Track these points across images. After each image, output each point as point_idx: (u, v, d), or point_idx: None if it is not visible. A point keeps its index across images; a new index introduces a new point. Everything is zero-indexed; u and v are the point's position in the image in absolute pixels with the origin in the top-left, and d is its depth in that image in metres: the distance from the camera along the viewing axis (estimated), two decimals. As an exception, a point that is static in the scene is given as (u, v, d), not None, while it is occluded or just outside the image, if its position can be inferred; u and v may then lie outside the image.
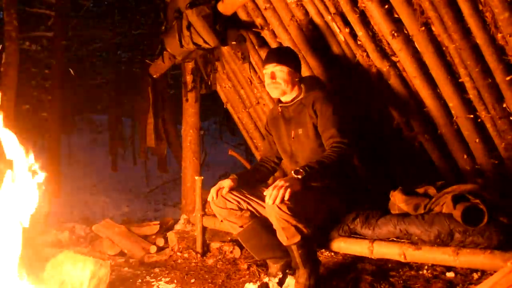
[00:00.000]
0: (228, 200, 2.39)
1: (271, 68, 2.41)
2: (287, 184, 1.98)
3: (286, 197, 1.97)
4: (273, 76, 2.40)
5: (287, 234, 2.10)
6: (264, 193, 2.04)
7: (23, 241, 2.11)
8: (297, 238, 2.10)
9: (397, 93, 2.55)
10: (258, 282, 2.39)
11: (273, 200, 1.97)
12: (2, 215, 2.10)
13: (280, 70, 2.40)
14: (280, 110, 2.53)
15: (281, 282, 2.33)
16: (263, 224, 2.36)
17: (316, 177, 2.11)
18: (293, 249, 2.14)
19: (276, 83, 2.40)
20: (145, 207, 6.86)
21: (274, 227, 2.15)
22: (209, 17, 2.95)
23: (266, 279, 2.37)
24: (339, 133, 2.23)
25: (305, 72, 2.96)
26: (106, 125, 13.43)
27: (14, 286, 2.09)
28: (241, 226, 2.41)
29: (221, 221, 2.48)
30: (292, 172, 2.06)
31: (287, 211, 2.02)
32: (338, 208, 2.32)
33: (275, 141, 2.60)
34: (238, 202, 2.39)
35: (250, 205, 2.40)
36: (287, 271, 2.37)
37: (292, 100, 2.46)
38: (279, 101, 2.53)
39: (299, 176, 2.02)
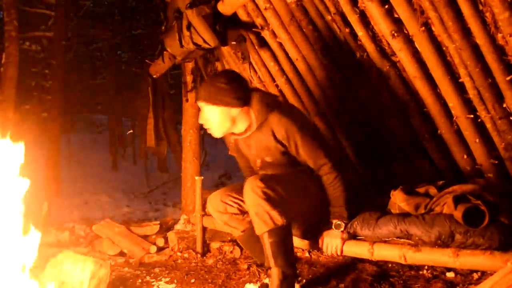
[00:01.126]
0: (228, 204, 2.34)
1: (200, 105, 2.19)
2: (338, 244, 2.21)
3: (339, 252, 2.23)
4: (201, 117, 2.20)
5: (261, 220, 2.03)
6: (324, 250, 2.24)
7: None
8: (270, 225, 2.02)
9: (397, 93, 2.55)
10: (258, 282, 2.39)
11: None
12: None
13: (210, 111, 2.15)
14: (234, 142, 2.37)
15: None
16: None
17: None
18: (263, 237, 2.05)
19: (207, 125, 2.20)
20: (145, 207, 6.85)
21: (250, 215, 2.10)
22: (209, 17, 2.95)
23: (266, 280, 2.35)
24: (329, 161, 2.15)
25: (306, 75, 2.96)
26: (106, 125, 13.43)
27: (14, 286, 2.08)
28: (243, 231, 2.38)
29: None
30: (334, 227, 2.20)
31: (262, 195, 2.00)
32: (322, 206, 2.26)
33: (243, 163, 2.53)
34: (239, 205, 2.33)
35: None
36: None
37: (245, 132, 2.25)
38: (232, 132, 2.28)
39: (342, 230, 2.20)
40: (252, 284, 2.37)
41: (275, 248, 2.05)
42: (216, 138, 2.38)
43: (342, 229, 2.20)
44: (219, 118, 2.16)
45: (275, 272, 2.05)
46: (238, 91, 2.15)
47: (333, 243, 2.22)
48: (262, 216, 2.03)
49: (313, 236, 2.35)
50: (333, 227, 2.21)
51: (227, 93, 2.12)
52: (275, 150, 2.20)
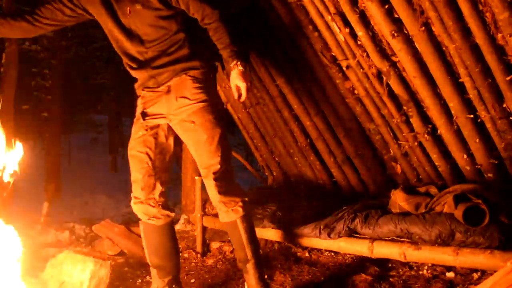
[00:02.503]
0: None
1: None
2: (248, 84, 2.02)
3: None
4: None
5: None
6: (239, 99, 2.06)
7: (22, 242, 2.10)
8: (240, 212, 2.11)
9: (397, 93, 2.55)
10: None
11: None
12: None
13: None
14: None
15: None
16: (172, 229, 2.29)
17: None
18: (237, 223, 2.12)
19: None
20: (145, 207, 6.85)
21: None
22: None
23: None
24: (211, 8, 2.02)
25: (306, 74, 2.96)
26: (106, 125, 13.44)
27: (14, 286, 2.08)
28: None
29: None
30: (239, 65, 2.00)
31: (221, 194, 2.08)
32: None
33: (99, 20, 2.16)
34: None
35: None
36: (173, 286, 2.21)
37: None
38: None
39: (241, 68, 2.00)
40: None
41: (249, 234, 2.14)
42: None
43: (241, 67, 2.01)
44: None
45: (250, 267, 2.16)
46: None
47: (240, 85, 2.02)
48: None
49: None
50: (239, 65, 2.01)
51: None
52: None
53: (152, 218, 2.18)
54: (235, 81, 2.01)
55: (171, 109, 2.10)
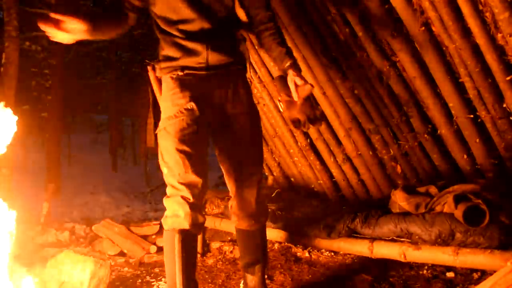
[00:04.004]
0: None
1: None
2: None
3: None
4: None
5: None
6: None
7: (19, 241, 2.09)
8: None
9: (397, 93, 2.55)
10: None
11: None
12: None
13: None
14: None
15: None
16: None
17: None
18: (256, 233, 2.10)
19: None
20: (145, 207, 6.84)
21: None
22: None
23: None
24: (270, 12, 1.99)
25: (306, 74, 2.96)
26: (106, 125, 13.43)
27: (13, 287, 2.08)
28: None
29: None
30: (292, 70, 1.80)
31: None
32: None
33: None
34: None
35: None
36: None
37: None
38: None
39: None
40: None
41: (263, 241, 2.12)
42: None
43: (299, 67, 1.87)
44: None
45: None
46: None
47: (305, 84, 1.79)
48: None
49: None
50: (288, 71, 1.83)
51: None
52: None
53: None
54: (296, 80, 1.77)
55: None
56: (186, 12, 1.88)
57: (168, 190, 1.83)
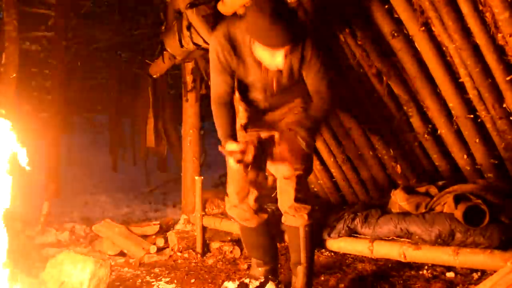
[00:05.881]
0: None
1: (283, 49, 1.88)
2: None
3: None
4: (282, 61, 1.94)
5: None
6: None
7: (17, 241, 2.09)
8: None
9: (397, 93, 2.54)
10: (237, 281, 2.40)
11: None
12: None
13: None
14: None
15: (261, 286, 2.31)
16: (267, 226, 2.37)
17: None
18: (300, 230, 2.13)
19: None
20: (145, 207, 6.84)
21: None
22: (209, 17, 2.95)
23: (247, 280, 2.36)
24: (329, 92, 2.02)
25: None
26: (106, 125, 13.42)
27: (13, 287, 2.08)
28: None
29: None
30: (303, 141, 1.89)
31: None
32: None
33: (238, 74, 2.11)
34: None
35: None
36: (269, 276, 2.34)
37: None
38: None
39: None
40: (231, 282, 2.37)
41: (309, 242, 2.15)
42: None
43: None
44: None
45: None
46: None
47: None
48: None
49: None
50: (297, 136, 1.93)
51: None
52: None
53: (245, 220, 2.30)
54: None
55: None
56: None
57: None
